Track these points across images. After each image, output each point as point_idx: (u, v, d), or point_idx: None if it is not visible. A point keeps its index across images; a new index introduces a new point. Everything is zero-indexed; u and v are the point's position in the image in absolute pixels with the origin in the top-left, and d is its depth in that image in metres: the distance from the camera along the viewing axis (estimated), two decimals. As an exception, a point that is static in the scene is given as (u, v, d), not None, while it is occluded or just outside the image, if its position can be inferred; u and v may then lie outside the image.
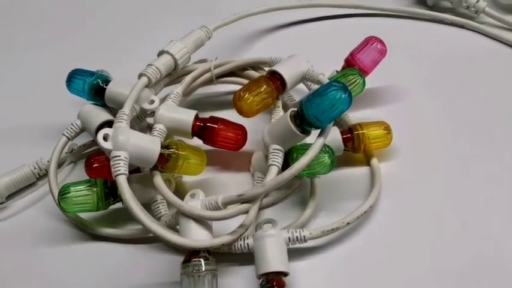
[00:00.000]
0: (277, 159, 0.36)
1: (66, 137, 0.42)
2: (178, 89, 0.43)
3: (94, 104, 0.43)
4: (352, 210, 0.38)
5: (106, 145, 0.35)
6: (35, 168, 0.43)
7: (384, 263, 0.37)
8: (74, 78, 0.43)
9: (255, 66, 0.45)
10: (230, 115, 0.45)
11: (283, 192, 0.40)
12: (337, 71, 0.45)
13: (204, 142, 0.41)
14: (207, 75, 0.45)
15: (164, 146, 0.37)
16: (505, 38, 0.50)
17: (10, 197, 0.43)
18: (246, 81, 0.45)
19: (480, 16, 0.52)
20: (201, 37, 0.46)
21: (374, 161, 0.41)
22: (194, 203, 0.35)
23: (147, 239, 0.39)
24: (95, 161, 0.42)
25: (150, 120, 0.41)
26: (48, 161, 0.44)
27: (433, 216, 0.39)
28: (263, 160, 0.39)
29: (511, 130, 0.44)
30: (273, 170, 0.36)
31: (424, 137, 0.44)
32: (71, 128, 0.42)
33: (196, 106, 0.47)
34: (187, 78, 0.44)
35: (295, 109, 0.37)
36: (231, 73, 0.46)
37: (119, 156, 0.34)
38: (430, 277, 0.36)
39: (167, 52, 0.43)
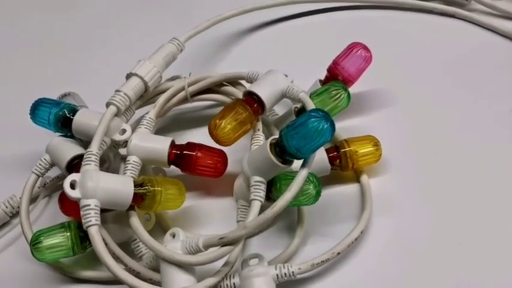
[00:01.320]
0: (259, 193, 0.34)
1: (36, 174, 0.39)
2: (151, 113, 0.40)
3: (62, 135, 0.40)
4: (343, 237, 0.36)
5: (74, 194, 0.32)
6: (6, 207, 0.41)
7: None
8: (38, 109, 0.40)
9: (232, 81, 0.42)
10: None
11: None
12: (320, 80, 0.42)
13: (182, 171, 0.39)
14: (181, 94, 0.42)
15: (138, 184, 0.35)
16: (496, 27, 0.46)
17: (-16, 237, 0.41)
18: (222, 98, 0.42)
19: (471, 3, 0.49)
20: (172, 51, 0.43)
21: (364, 178, 0.39)
22: (173, 246, 0.33)
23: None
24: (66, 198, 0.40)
25: (122, 151, 0.38)
26: (20, 198, 0.41)
27: (428, 236, 0.37)
28: (245, 188, 0.37)
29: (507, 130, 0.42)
30: (256, 205, 0.34)
31: (416, 144, 0.42)
32: (40, 165, 0.39)
33: (172, 125, 0.45)
34: (160, 100, 0.41)
35: (275, 137, 0.34)
36: (207, 89, 0.43)
37: (89, 205, 0.32)
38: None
39: (135, 75, 0.40)
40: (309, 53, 0.49)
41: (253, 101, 0.37)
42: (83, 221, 0.32)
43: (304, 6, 0.52)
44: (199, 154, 0.38)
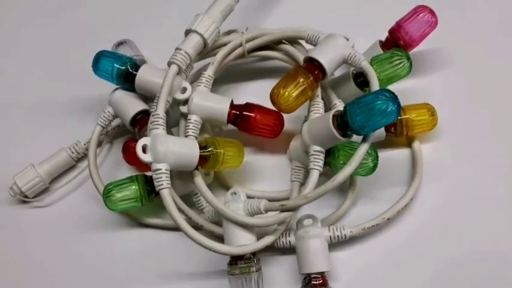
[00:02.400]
0: (318, 162, 0.36)
1: (101, 126, 0.41)
2: (209, 70, 0.41)
3: (123, 88, 0.42)
4: (392, 201, 0.38)
5: (146, 158, 0.34)
6: (72, 152, 0.44)
7: (422, 255, 0.38)
8: (100, 62, 0.40)
9: (290, 40, 0.41)
10: (261, 86, 0.45)
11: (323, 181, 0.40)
12: (380, 41, 0.41)
13: (240, 130, 0.40)
14: (238, 51, 0.42)
15: (202, 146, 0.37)
16: None
17: (53, 181, 0.44)
18: (280, 56, 0.42)
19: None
20: (229, 4, 0.42)
21: (416, 145, 0.40)
22: (236, 207, 0.36)
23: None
24: (132, 147, 0.42)
25: (183, 109, 0.39)
26: (84, 144, 0.44)
27: (476, 205, 0.38)
28: (302, 151, 0.38)
29: None
30: (315, 175, 0.35)
31: (473, 112, 0.42)
32: (104, 117, 0.41)
33: (225, 77, 0.45)
34: (218, 57, 0.41)
35: (337, 110, 0.35)
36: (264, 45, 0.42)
37: (160, 169, 0.34)
38: (469, 268, 0.37)
39: (195, 31, 0.39)
40: (367, 9, 0.47)
41: (314, 67, 0.37)
42: (155, 183, 0.34)
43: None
44: (257, 116, 0.39)
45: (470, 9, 0.46)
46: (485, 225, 0.38)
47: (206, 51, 0.41)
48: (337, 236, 0.36)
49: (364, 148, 0.34)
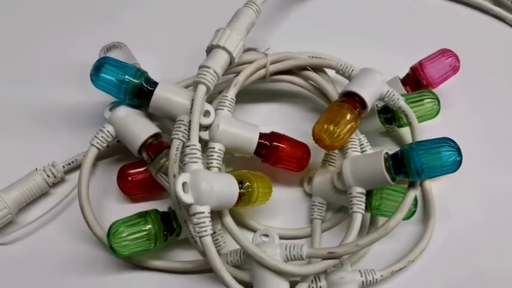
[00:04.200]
0: (361, 205, 0.34)
1: (97, 148, 0.34)
2: (231, 92, 0.36)
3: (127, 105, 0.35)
4: (405, 240, 0.38)
5: (187, 198, 0.29)
6: (48, 176, 0.35)
7: None
8: (105, 69, 0.33)
9: (316, 67, 0.39)
10: (270, 109, 0.42)
11: (342, 217, 0.38)
12: (400, 79, 0.41)
13: (264, 161, 0.36)
14: (260, 72, 0.38)
15: (238, 182, 0.32)
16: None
17: (21, 211, 0.35)
18: (302, 82, 0.39)
19: (523, 11, 0.50)
20: (252, 20, 0.38)
21: (426, 182, 0.41)
22: (273, 252, 0.32)
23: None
24: (131, 175, 0.35)
25: (205, 135, 0.34)
26: (63, 167, 0.36)
27: (487, 241, 0.39)
28: (330, 188, 0.36)
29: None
30: (358, 219, 0.34)
31: (474, 148, 0.41)
32: (102, 137, 0.34)
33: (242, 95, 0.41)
34: (241, 78, 0.37)
35: (387, 152, 0.33)
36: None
37: (203, 212, 0.29)
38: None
39: (224, 49, 0.35)
40: (376, 31, 0.47)
41: (355, 102, 0.35)
42: (196, 229, 0.29)
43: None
44: (286, 147, 0.36)
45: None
46: (500, 257, 0.39)
47: (229, 69, 0.37)
48: (369, 280, 0.35)
49: (413, 194, 0.33)
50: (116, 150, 0.38)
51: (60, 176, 0.36)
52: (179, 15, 0.47)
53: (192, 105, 0.32)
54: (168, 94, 0.34)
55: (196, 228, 0.29)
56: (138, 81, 0.33)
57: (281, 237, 0.37)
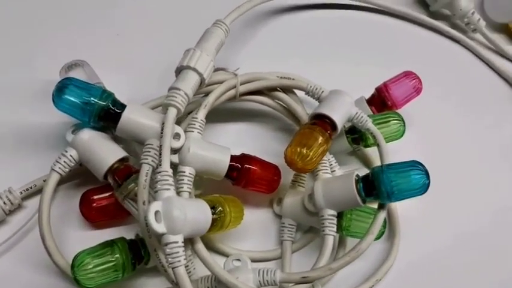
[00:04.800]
0: (332, 227, 0.34)
1: (59, 173, 0.32)
2: (201, 113, 0.35)
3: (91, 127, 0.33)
4: (377, 263, 0.38)
5: (159, 228, 0.27)
6: (5, 203, 0.33)
7: None
8: (68, 91, 0.31)
9: (286, 88, 0.39)
10: (239, 128, 0.42)
11: (312, 237, 0.38)
12: (365, 99, 0.41)
13: (235, 184, 0.36)
14: (230, 93, 0.37)
15: (210, 207, 0.31)
16: (493, 63, 0.51)
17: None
18: (272, 103, 0.39)
19: (476, 35, 0.52)
20: (222, 40, 0.37)
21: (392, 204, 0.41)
22: (246, 278, 0.31)
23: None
24: (95, 201, 0.34)
25: (174, 158, 0.33)
26: (21, 193, 0.33)
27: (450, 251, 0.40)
28: (300, 210, 0.36)
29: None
30: (330, 241, 0.34)
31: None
32: (65, 162, 0.32)
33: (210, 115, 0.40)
34: (211, 99, 0.36)
35: (357, 174, 0.34)
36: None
37: (176, 242, 0.28)
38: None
39: (194, 69, 0.34)
40: (342, 51, 0.48)
41: (326, 124, 0.35)
42: (169, 259, 0.28)
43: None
44: (258, 170, 0.36)
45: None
46: (465, 277, 0.39)
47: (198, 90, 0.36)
48: (341, 303, 0.35)
49: (383, 215, 0.34)
50: (78, 174, 0.36)
51: (17, 202, 0.33)
52: (142, 31, 0.45)
53: (162, 129, 0.31)
54: (137, 117, 0.32)
55: (169, 259, 0.28)
56: (104, 103, 0.32)
57: (252, 260, 0.37)
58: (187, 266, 0.33)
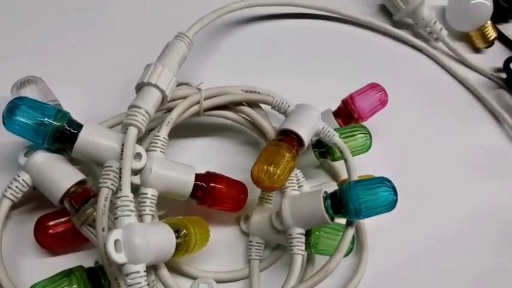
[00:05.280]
0: (301, 247, 0.33)
1: (10, 199, 0.30)
2: (163, 131, 0.34)
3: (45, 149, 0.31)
4: (345, 279, 0.37)
5: (120, 259, 0.26)
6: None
7: None
8: (20, 112, 0.29)
9: (251, 103, 0.38)
10: (203, 144, 0.41)
11: (280, 254, 0.38)
12: (332, 112, 0.41)
13: (200, 203, 0.35)
14: (193, 109, 0.36)
15: (174, 231, 0.30)
16: (455, 72, 0.52)
17: None
18: (237, 117, 0.38)
19: (438, 44, 0.53)
20: (184, 54, 0.36)
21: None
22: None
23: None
24: (51, 227, 0.32)
25: (135, 179, 0.32)
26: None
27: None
28: (268, 228, 0.35)
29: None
30: (299, 261, 0.33)
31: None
32: (17, 187, 0.30)
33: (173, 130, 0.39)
34: (174, 116, 0.34)
35: (325, 191, 0.33)
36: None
37: (138, 272, 0.26)
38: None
39: (155, 86, 0.32)
40: (308, 62, 0.47)
41: (292, 140, 0.35)
42: (128, 292, 0.26)
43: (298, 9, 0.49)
44: (224, 188, 0.34)
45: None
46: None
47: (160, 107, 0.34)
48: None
49: (351, 233, 0.33)
50: (32, 197, 0.34)
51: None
52: (101, 43, 0.43)
53: (122, 150, 0.29)
54: (95, 137, 0.31)
55: (130, 291, 0.26)
56: (59, 124, 0.30)
57: (219, 281, 0.36)
58: (152, 292, 0.32)
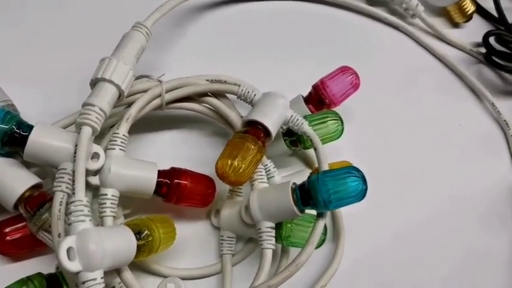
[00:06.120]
0: (271, 240, 0.32)
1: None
2: (122, 128, 0.32)
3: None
4: (322, 267, 0.37)
5: (73, 267, 0.25)
6: None
7: None
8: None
9: (216, 93, 0.36)
10: (170, 137, 0.39)
11: (253, 247, 0.37)
12: (302, 96, 0.39)
13: (166, 201, 0.33)
14: (155, 102, 0.35)
15: (135, 233, 0.29)
16: (433, 48, 0.50)
17: None
18: (202, 109, 0.37)
19: (415, 20, 0.51)
20: (142, 45, 0.34)
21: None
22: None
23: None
24: (8, 233, 0.30)
25: (93, 180, 0.30)
26: None
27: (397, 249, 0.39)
28: (238, 222, 0.34)
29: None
30: (269, 255, 0.32)
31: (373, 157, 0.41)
32: (-35, 194, 0.29)
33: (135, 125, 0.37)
34: (133, 112, 0.33)
35: (294, 182, 0.32)
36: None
37: (94, 279, 0.25)
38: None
39: (110, 82, 0.31)
40: (275, 48, 0.46)
41: (259, 131, 0.33)
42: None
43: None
44: (189, 184, 0.33)
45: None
46: (408, 278, 0.39)
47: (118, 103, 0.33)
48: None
49: (322, 224, 0.32)
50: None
51: None
52: (58, 36, 0.41)
53: (75, 152, 0.28)
54: (46, 139, 0.29)
55: (85, 301, 0.25)
56: (7, 127, 0.28)
57: (191, 278, 0.35)
58: (118, 294, 0.31)
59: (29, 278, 0.28)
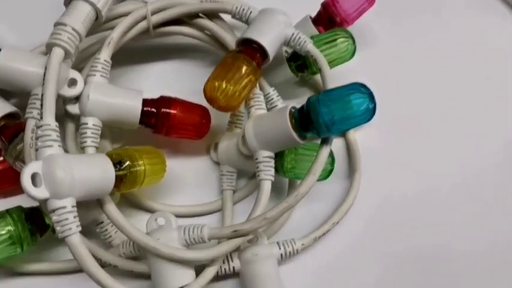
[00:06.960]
0: (269, 170, 0.29)
1: None
2: (104, 53, 0.30)
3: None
4: (330, 200, 0.34)
5: (40, 193, 0.23)
6: None
7: (370, 253, 0.33)
8: None
9: (209, 13, 0.33)
10: (163, 68, 0.36)
11: (257, 184, 0.33)
12: (310, 17, 0.35)
13: (156, 132, 0.31)
14: (140, 26, 0.31)
15: (116, 163, 0.27)
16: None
17: None
18: (194, 33, 0.33)
19: None
20: (124, -41, 0.31)
21: (350, 135, 0.36)
22: (168, 238, 0.27)
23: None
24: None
25: (72, 108, 0.28)
26: None
27: (415, 195, 0.35)
28: (236, 154, 0.31)
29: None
30: (267, 186, 0.29)
31: (399, 94, 0.37)
32: None
33: (118, 56, 0.34)
34: (115, 35, 0.30)
35: (294, 106, 0.28)
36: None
37: (64, 207, 0.23)
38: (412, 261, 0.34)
39: (84, 0, 0.28)
40: None
41: (253, 51, 0.29)
42: (57, 229, 0.23)
43: None
44: (179, 113, 0.30)
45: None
46: (425, 217, 0.35)
47: (97, 25, 0.30)
48: (289, 252, 0.31)
49: (325, 152, 0.28)
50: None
51: None
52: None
53: (44, 74, 0.26)
54: (15, 63, 0.27)
55: (58, 228, 0.23)
56: (-28, 52, 0.26)
57: (190, 215, 0.33)
58: (107, 229, 0.29)
59: (7, 211, 0.27)
